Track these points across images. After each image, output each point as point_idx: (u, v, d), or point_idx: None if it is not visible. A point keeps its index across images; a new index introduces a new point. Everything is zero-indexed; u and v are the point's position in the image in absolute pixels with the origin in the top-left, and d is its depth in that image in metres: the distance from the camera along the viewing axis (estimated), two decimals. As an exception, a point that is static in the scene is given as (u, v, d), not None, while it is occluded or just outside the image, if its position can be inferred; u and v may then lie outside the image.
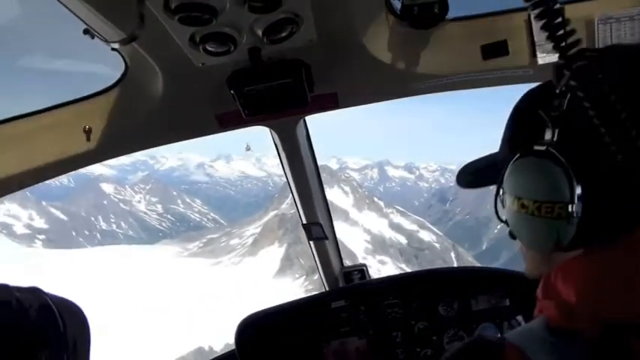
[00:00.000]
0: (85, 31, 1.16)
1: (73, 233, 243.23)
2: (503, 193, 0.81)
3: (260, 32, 1.24)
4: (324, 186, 2.31)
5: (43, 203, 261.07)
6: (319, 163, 2.18)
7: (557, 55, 0.70)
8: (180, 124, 1.76)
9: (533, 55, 1.49)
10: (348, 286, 2.48)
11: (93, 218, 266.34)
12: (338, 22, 1.39)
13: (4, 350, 0.72)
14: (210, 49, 1.26)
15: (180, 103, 1.62)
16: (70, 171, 1.75)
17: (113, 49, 1.33)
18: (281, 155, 2.01)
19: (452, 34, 1.52)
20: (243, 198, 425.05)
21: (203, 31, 1.20)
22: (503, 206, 0.81)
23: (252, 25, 1.22)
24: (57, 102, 1.64)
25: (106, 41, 1.19)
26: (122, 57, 1.48)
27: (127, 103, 1.63)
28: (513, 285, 2.26)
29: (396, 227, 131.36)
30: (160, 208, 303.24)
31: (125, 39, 1.13)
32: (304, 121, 1.90)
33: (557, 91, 0.70)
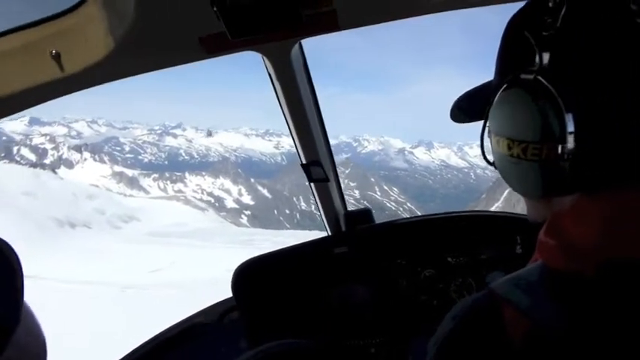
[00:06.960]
0: None
1: (275, 212, 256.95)
2: (489, 131, 0.72)
3: None
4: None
5: (252, 180, 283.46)
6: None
7: None
8: (160, 49, 1.55)
9: None
10: (351, 231, 2.27)
11: (295, 198, 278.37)
12: None
13: None
14: None
15: (158, 24, 1.42)
16: (41, 102, 1.56)
17: None
18: (275, 86, 1.77)
19: None
20: (441, 188, 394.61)
21: None
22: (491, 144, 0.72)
23: None
24: (16, 24, 1.42)
25: None
26: None
27: (98, 24, 1.44)
28: (526, 232, 2.06)
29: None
30: (357, 193, 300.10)
31: None
32: (300, 45, 1.66)
33: (551, 4, 0.59)
